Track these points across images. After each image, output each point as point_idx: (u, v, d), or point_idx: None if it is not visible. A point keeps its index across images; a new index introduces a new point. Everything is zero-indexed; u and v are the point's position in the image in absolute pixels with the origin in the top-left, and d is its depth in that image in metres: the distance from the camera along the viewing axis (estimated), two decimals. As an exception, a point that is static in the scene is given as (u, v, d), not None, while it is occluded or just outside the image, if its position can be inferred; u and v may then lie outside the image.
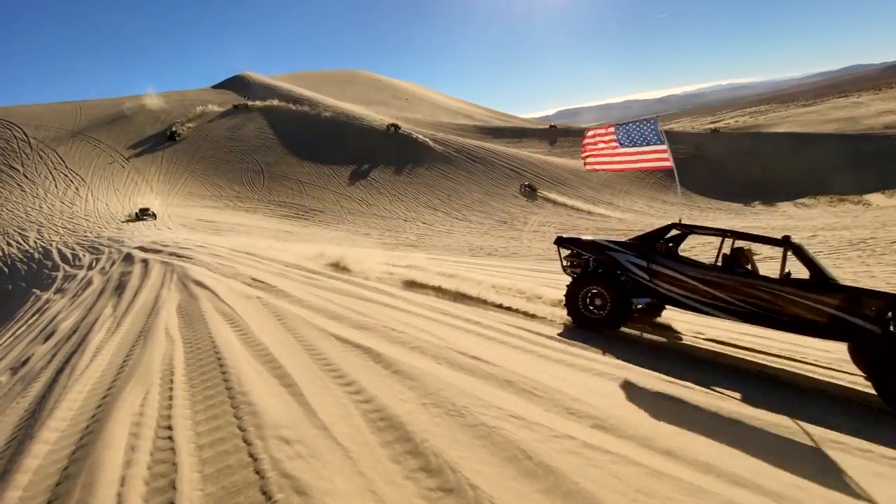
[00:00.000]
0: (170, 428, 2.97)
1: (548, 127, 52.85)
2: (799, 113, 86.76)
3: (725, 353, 5.26)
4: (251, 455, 2.53)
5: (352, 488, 2.26)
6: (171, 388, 3.59)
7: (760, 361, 5.00)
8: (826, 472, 2.80)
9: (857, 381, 4.53)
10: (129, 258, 12.73)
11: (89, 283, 11.31)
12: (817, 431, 3.27)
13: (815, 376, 4.69)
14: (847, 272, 13.17)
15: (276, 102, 48.76)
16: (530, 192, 33.74)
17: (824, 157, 39.45)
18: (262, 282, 7.65)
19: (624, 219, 29.31)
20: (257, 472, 2.38)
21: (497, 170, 37.37)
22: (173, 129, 42.95)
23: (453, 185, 35.09)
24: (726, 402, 3.67)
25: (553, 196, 33.18)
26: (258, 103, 48.58)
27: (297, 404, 3.14)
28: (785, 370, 4.77)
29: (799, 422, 3.36)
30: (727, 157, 40.49)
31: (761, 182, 37.35)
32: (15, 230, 25.23)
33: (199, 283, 7.64)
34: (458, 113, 65.12)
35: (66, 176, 35.24)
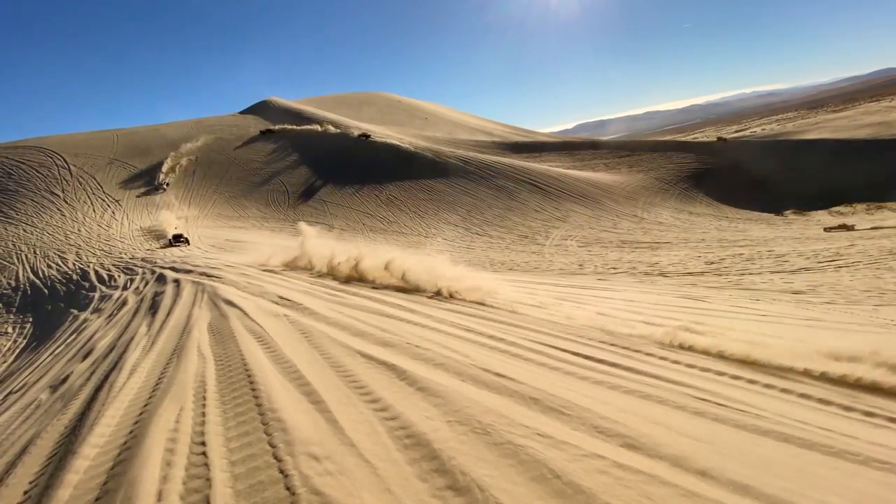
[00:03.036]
0: (203, 444, 3.05)
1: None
2: (829, 119, 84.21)
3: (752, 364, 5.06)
4: (282, 471, 2.58)
5: (380, 506, 2.27)
6: (203, 405, 3.69)
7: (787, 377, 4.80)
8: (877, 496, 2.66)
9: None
10: (161, 278, 13.19)
11: (124, 302, 11.76)
12: (865, 448, 3.11)
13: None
14: (889, 283, 12.58)
15: (299, 125, 50.38)
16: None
17: (862, 164, 38.04)
18: (289, 300, 7.81)
19: (649, 230, 28.80)
20: (288, 489, 2.43)
21: (517, 184, 37.40)
22: (158, 180, 40.90)
23: (473, 201, 35.25)
24: (762, 422, 3.53)
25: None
26: (287, 127, 50.22)
27: (325, 421, 3.18)
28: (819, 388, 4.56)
29: (846, 437, 3.21)
30: (757, 166, 39.47)
31: (794, 190, 36.21)
32: (55, 253, 26.51)
33: (229, 302, 7.86)
34: (477, 130, 65.72)
35: (104, 200, 36.99)
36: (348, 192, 38.28)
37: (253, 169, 43.14)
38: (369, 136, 45.02)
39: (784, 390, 4.33)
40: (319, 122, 51.15)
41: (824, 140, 48.43)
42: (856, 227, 25.62)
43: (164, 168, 42.56)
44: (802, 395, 4.20)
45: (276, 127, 50.51)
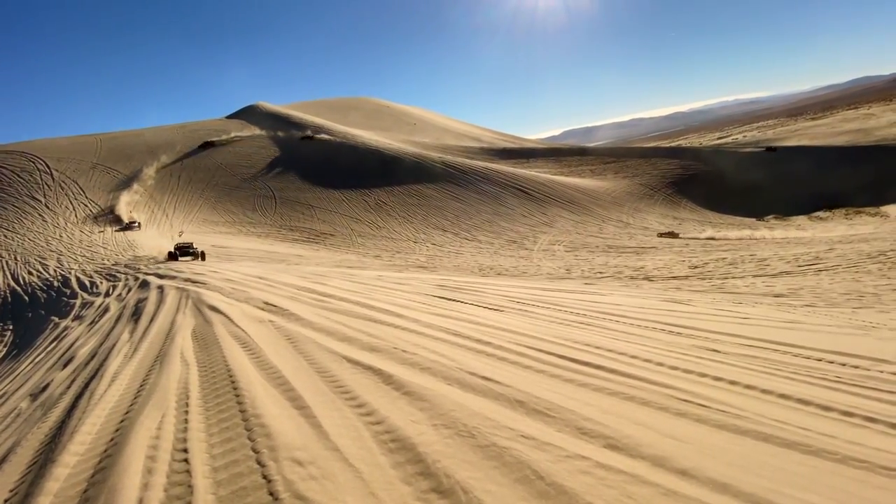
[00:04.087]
0: (185, 451, 3.01)
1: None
2: (808, 126, 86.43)
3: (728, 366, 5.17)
4: (265, 476, 2.57)
5: (364, 509, 2.27)
6: (186, 412, 3.65)
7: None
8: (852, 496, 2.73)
9: None
10: (145, 284, 12.99)
11: (106, 309, 11.55)
12: (843, 447, 3.19)
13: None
14: (868, 286, 12.91)
15: (286, 130, 50.14)
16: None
17: (839, 169, 39.08)
18: (275, 305, 7.76)
19: (634, 235, 29.18)
20: (271, 494, 2.41)
21: (505, 190, 37.66)
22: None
23: (462, 207, 35.39)
24: (742, 422, 3.60)
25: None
26: (274, 133, 49.93)
27: (310, 426, 3.17)
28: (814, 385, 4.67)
29: (824, 436, 3.29)
30: (737, 172, 40.35)
31: (775, 196, 37.03)
32: (36, 259, 25.95)
33: (214, 308, 7.78)
34: (465, 136, 66.12)
35: (86, 206, 36.33)
36: (336, 196, 38.17)
37: (239, 173, 42.80)
38: (312, 137, 45.78)
39: (764, 391, 4.42)
40: (309, 127, 51.01)
41: (805, 147, 49.71)
42: (680, 236, 29.00)
43: (124, 203, 36.43)
44: (782, 396, 4.29)
45: (262, 131, 49.95)
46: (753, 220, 34.05)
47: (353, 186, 38.96)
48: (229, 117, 60.85)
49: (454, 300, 9.40)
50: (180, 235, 31.01)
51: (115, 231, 25.17)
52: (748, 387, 4.57)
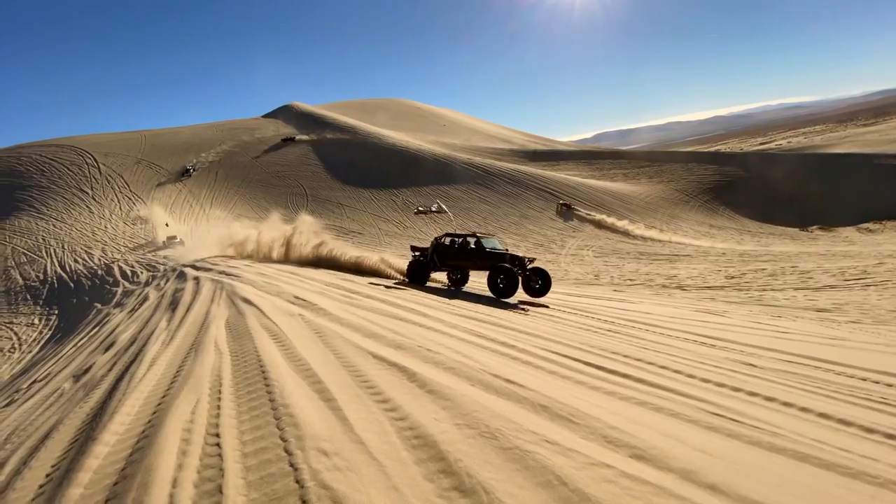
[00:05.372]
0: (217, 435, 3.13)
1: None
2: (859, 133, 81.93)
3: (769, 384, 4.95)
4: (292, 465, 2.64)
5: (386, 503, 2.30)
6: (219, 399, 3.79)
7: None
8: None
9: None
10: (182, 276, 13.52)
11: (146, 298, 12.08)
12: (885, 471, 3.02)
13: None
14: (919, 303, 12.12)
15: (320, 131, 51.23)
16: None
17: (893, 179, 36.86)
18: (304, 300, 7.94)
19: (667, 242, 28.36)
20: (297, 482, 2.48)
21: (533, 192, 37.30)
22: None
23: (489, 209, 35.27)
24: (778, 440, 3.45)
25: (596, 217, 32.51)
26: (305, 137, 50.97)
27: (336, 418, 3.23)
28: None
29: (866, 459, 3.12)
30: (782, 179, 38.54)
31: (820, 206, 35.25)
32: (82, 248, 27.40)
33: (247, 300, 8.02)
34: (496, 137, 65.86)
35: (130, 199, 38.12)
36: (365, 196, 38.71)
37: (274, 172, 43.98)
38: (293, 139, 46.99)
39: (803, 409, 4.22)
40: (341, 127, 51.97)
41: (856, 154, 47.11)
42: (575, 210, 33.30)
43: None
44: (821, 415, 4.09)
45: (298, 136, 51.25)
46: (796, 229, 32.51)
47: (381, 186, 39.44)
48: (265, 116, 62.68)
49: (478, 302, 9.38)
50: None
51: (149, 253, 26.03)
52: (785, 404, 4.37)
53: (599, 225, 31.63)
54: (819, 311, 11.85)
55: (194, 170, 43.89)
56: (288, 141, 48.78)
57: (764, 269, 18.59)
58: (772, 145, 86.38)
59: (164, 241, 26.36)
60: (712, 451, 3.10)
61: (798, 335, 7.78)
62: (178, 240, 26.04)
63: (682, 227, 33.35)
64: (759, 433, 3.52)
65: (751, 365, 5.57)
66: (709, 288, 15.99)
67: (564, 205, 34.29)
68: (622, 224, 31.43)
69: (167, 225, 30.76)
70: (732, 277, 17.51)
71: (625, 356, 5.58)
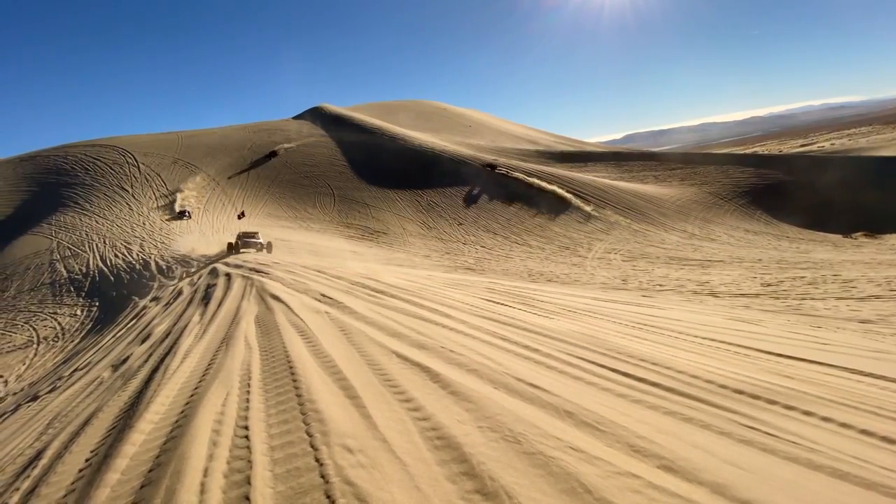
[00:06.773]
0: (246, 428, 3.22)
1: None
2: (909, 135, 77.44)
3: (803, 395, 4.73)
4: (317, 460, 2.69)
5: (409, 502, 2.32)
6: (248, 392, 3.90)
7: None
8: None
9: None
10: (214, 272, 13.97)
11: (180, 292, 12.54)
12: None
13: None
14: (975, 317, 11.36)
15: (347, 131, 52.04)
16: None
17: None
18: (331, 298, 8.07)
19: (700, 247, 27.50)
20: (322, 477, 2.52)
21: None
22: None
23: (513, 210, 35.01)
24: (816, 456, 3.30)
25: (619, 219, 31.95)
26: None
27: (360, 416, 3.28)
28: None
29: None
30: (833, 184, 36.70)
31: (873, 212, 33.45)
32: (122, 244, 28.66)
33: (275, 297, 8.23)
34: (522, 138, 65.33)
35: (167, 197, 39.66)
36: (391, 196, 39.07)
37: (303, 172, 44.95)
38: (276, 153, 47.53)
39: (843, 424, 4.02)
40: (369, 129, 52.58)
41: (903, 158, 44.53)
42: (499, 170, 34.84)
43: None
44: (863, 432, 3.88)
45: (279, 148, 50.29)
46: (839, 236, 30.97)
47: (406, 187, 39.75)
48: (295, 118, 64.15)
49: (503, 304, 9.32)
50: (239, 218, 32.68)
51: (165, 220, 27.24)
52: (825, 419, 4.17)
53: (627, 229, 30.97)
54: (862, 322, 11.26)
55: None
56: (272, 155, 48.50)
57: (803, 277, 17.79)
58: (813, 147, 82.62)
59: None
60: (745, 465, 2.99)
61: (839, 347, 7.42)
62: (188, 213, 26.07)
63: (714, 231, 32.28)
64: (796, 448, 3.37)
65: (787, 377, 5.34)
66: (743, 295, 15.42)
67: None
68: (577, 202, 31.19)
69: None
70: (769, 285, 16.83)
71: (653, 364, 5.44)
